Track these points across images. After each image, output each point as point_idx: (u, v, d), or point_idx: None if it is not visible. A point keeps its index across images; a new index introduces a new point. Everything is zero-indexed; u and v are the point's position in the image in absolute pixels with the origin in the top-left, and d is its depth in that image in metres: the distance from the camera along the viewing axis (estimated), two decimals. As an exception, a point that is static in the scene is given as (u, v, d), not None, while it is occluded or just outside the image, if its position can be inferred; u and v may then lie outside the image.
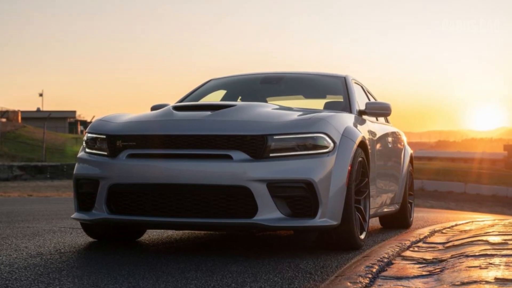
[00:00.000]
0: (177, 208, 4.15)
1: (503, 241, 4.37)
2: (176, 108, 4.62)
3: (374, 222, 7.42)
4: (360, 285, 2.97)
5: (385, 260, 3.74)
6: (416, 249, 4.51)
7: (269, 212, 4.04)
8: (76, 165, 4.65)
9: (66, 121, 66.39)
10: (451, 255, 3.91)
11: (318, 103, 5.92)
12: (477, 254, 3.77)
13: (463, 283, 2.84)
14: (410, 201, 7.13)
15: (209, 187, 4.07)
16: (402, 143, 6.99)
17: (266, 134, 4.14)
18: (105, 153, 4.43)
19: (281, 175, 4.06)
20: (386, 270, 3.46)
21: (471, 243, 4.43)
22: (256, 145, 4.12)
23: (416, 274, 3.31)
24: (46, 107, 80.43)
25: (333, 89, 5.97)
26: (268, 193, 4.04)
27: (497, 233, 5.19)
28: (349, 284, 2.96)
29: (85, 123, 67.07)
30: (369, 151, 5.02)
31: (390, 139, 6.29)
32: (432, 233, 5.88)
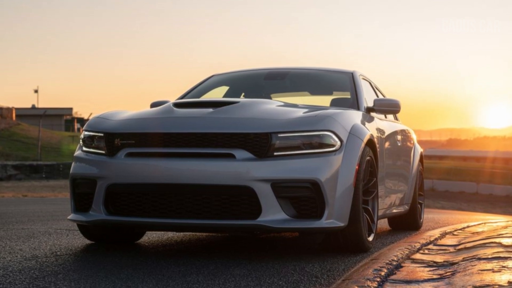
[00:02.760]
0: (178, 209, 4.10)
1: (517, 243, 4.34)
2: (177, 105, 4.56)
3: (383, 224, 7.41)
4: (367, 289, 2.93)
5: (394, 263, 3.70)
6: (426, 251, 4.47)
7: (273, 213, 3.99)
8: (73, 164, 4.61)
9: (62, 118, 67.08)
10: (463, 258, 3.87)
11: (324, 100, 5.92)
12: (489, 256, 3.72)
13: (475, 287, 2.80)
14: (420, 201, 7.09)
15: (211, 187, 4.01)
16: (412, 141, 6.94)
17: (270, 132, 4.08)
18: (103, 151, 4.39)
19: (286, 174, 4.01)
20: (395, 273, 3.42)
21: (483, 246, 4.39)
22: (260, 143, 4.06)
23: (426, 278, 3.27)
24: (41, 104, 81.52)
25: (340, 85, 5.94)
26: (273, 193, 3.98)
27: (510, 235, 5.18)
28: (356, 288, 2.92)
29: (82, 121, 67.80)
30: (378, 149, 4.97)
31: (399, 137, 6.23)
32: (443, 235, 5.85)
